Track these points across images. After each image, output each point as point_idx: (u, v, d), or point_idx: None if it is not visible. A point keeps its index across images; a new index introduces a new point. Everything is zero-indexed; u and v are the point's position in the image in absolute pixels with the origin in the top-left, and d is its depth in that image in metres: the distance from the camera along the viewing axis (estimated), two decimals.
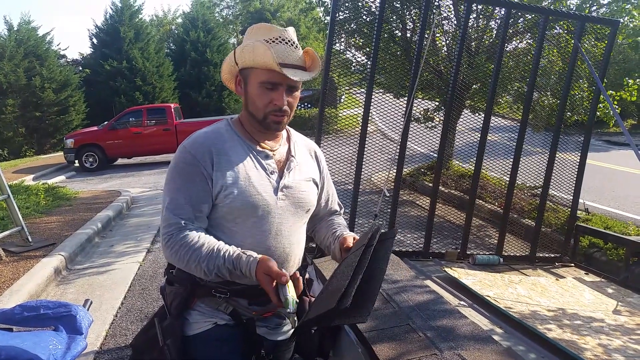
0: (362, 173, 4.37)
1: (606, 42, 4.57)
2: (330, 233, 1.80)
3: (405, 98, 4.43)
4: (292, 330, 1.67)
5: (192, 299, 1.60)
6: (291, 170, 1.65)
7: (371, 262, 1.40)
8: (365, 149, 4.30)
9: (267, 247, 1.57)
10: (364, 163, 4.32)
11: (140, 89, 23.73)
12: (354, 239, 1.69)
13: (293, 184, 1.64)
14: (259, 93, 1.55)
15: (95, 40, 25.40)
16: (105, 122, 16.08)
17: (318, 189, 1.79)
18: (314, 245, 3.76)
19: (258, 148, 1.62)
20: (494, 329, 2.89)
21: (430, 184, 7.94)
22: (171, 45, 30.51)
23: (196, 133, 1.62)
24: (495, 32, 6.26)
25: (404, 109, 4.28)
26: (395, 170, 4.35)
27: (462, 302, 3.26)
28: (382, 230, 1.56)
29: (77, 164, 15.33)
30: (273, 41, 1.52)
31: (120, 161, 16.15)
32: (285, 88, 1.55)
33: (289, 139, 1.74)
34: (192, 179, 1.52)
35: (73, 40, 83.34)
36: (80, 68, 25.72)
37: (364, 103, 4.21)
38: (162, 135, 15.01)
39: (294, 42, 1.56)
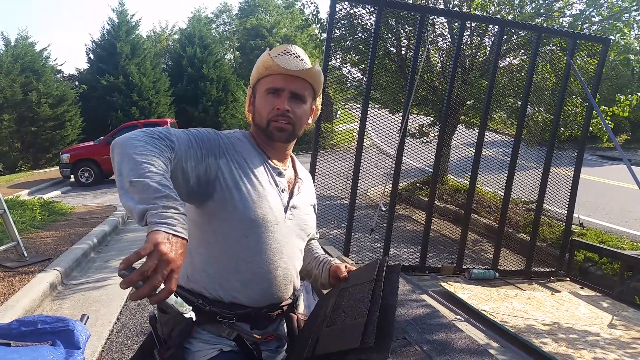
0: (358, 188, 4.40)
1: (598, 58, 4.65)
2: (312, 258, 1.78)
3: (401, 113, 4.49)
4: (284, 353, 1.64)
5: (192, 327, 1.51)
6: (299, 193, 1.63)
7: (382, 297, 1.38)
8: (361, 164, 4.34)
9: (270, 267, 1.51)
10: (359, 178, 4.36)
11: (137, 104, 23.80)
12: (346, 267, 1.68)
13: (300, 206, 1.62)
14: (263, 100, 1.55)
15: (92, 56, 25.53)
16: (102, 137, 16.10)
17: (314, 216, 1.76)
18: None
19: (271, 163, 1.59)
20: (490, 343, 2.90)
21: (426, 199, 7.99)
22: (168, 61, 30.73)
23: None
24: (489, 49, 6.36)
25: (400, 124, 4.33)
26: (390, 185, 4.38)
27: (458, 317, 3.27)
28: (387, 264, 1.54)
29: (72, 179, 15.30)
30: (277, 54, 1.55)
31: None
32: (288, 94, 1.54)
33: (294, 164, 1.73)
34: (217, 144, 1.45)
35: (70, 55, 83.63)
36: (77, 83, 25.83)
37: (359, 118, 4.25)
38: None
39: (297, 54, 1.57)
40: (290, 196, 1.60)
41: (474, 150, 4.59)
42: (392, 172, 4.40)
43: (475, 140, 4.56)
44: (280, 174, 1.59)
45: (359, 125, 4.30)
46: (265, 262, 1.49)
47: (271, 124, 1.54)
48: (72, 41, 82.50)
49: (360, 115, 4.27)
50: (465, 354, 1.70)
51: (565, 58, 4.66)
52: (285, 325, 1.65)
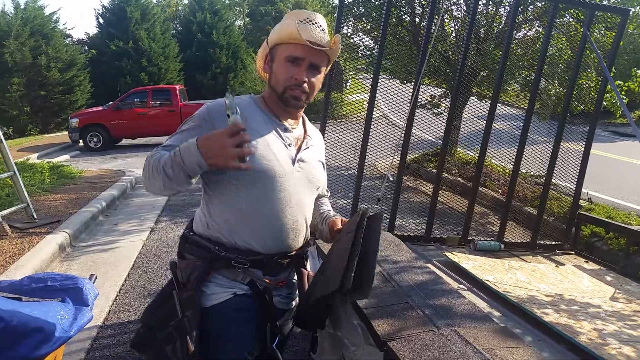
0: (367, 159, 4.38)
1: (616, 31, 4.55)
2: (318, 214, 1.88)
3: (412, 84, 4.43)
4: (295, 301, 1.76)
5: (209, 272, 1.62)
6: (307, 148, 1.71)
7: (363, 244, 1.47)
8: (370, 135, 4.31)
9: (279, 215, 1.60)
10: (368, 149, 4.34)
11: (146, 69, 23.72)
12: (342, 221, 1.76)
13: (308, 160, 1.70)
14: (282, 67, 1.60)
15: (101, 20, 25.36)
16: (110, 103, 16.10)
17: (324, 172, 1.85)
18: None
19: (277, 121, 1.66)
20: (491, 312, 2.92)
21: (435, 171, 7.97)
22: (177, 26, 30.45)
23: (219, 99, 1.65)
24: (504, 19, 6.22)
25: (410, 95, 4.28)
26: (399, 156, 4.36)
27: (461, 286, 3.29)
28: (370, 214, 1.61)
29: (81, 144, 15.38)
30: (301, 21, 1.58)
31: (124, 142, 16.19)
32: (307, 65, 1.59)
33: (304, 123, 1.80)
34: (197, 131, 1.54)
35: (79, 20, 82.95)
36: (86, 48, 25.71)
37: (370, 88, 4.21)
38: (166, 116, 15.03)
39: (320, 25, 1.62)
40: (298, 150, 1.67)
41: (485, 123, 4.54)
42: (402, 143, 4.37)
43: (487, 113, 4.51)
44: (286, 130, 1.67)
45: (369, 96, 4.26)
46: (274, 211, 1.60)
47: (287, 91, 1.61)
48: (82, 5, 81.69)
49: (370, 85, 4.22)
50: (467, 318, 1.72)
51: (581, 30, 4.56)
52: (296, 277, 1.76)
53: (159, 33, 25.13)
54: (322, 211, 1.88)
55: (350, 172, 4.63)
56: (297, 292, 1.76)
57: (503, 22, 6.18)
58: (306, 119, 1.82)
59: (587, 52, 4.66)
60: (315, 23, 1.61)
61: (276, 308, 1.68)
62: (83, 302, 2.13)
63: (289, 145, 1.65)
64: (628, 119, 3.79)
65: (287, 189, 1.61)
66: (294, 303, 1.77)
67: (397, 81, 5.41)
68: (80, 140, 15.25)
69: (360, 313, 1.80)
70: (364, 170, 4.43)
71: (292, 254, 1.69)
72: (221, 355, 1.58)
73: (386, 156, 4.87)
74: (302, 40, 1.54)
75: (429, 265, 3.12)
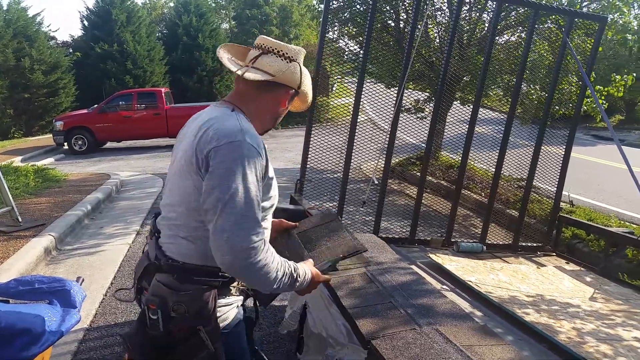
0: (352, 162, 4.45)
1: (598, 37, 4.66)
2: None
3: (396, 88, 4.50)
4: None
5: (217, 297, 1.54)
6: None
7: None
8: (356, 138, 4.38)
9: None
10: (354, 152, 4.40)
11: (131, 72, 23.51)
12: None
13: None
14: (279, 115, 1.72)
15: (86, 22, 25.08)
16: (95, 105, 15.98)
17: None
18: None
19: None
20: (473, 312, 2.99)
21: (419, 174, 8.05)
22: (163, 29, 30.23)
23: (240, 124, 1.52)
24: (487, 25, 6.33)
25: (395, 99, 4.35)
26: (384, 160, 4.43)
27: (444, 287, 3.36)
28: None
29: (66, 147, 15.24)
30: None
31: (109, 145, 16.08)
32: None
33: None
34: (257, 175, 1.47)
35: (64, 22, 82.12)
36: (71, 50, 25.42)
37: (355, 92, 4.27)
38: (152, 119, 14.96)
39: None
40: None
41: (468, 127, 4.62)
42: (386, 147, 4.44)
43: (467, 118, 4.59)
44: None
45: (354, 99, 4.32)
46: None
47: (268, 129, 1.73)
48: (66, 7, 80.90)
49: (356, 89, 4.28)
50: (448, 317, 1.78)
51: (562, 36, 4.67)
52: None
53: (144, 36, 24.95)
54: None
55: (335, 176, 4.68)
56: None
57: (486, 28, 6.29)
58: None
59: (568, 57, 4.77)
60: None
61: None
62: (71, 304, 2.15)
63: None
64: (606, 124, 3.90)
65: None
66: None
67: (383, 85, 5.48)
68: (65, 143, 15.10)
69: (345, 313, 1.84)
70: (350, 174, 4.48)
71: None
72: None
73: (371, 159, 4.93)
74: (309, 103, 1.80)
75: (412, 266, 3.17)
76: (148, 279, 1.58)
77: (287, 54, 1.64)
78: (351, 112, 4.38)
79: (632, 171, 3.72)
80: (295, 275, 1.50)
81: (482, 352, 1.53)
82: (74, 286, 2.21)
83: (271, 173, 1.57)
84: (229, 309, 1.60)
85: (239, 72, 1.57)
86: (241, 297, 1.65)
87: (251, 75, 1.57)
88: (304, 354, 2.50)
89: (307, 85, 1.69)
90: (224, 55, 1.68)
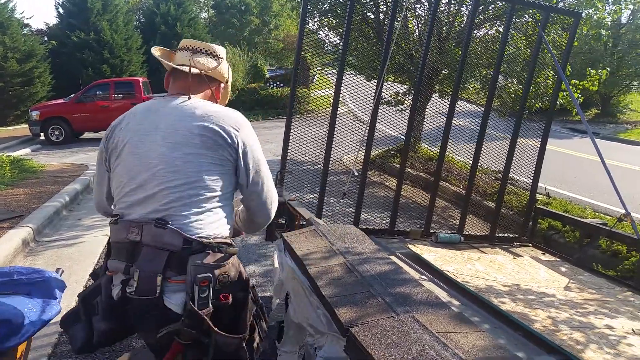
0: (333, 154, 4.47)
1: (573, 32, 4.75)
2: None
3: (376, 80, 4.53)
4: None
5: None
6: None
7: None
8: (336, 130, 4.40)
9: None
10: (334, 144, 4.43)
11: (108, 61, 23.17)
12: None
13: None
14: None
15: (61, 10, 24.61)
16: (72, 95, 15.73)
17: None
18: (283, 221, 3.88)
19: None
20: (451, 302, 3.05)
21: (398, 166, 8.12)
22: (141, 18, 29.79)
23: (230, 109, 1.87)
24: (466, 18, 6.39)
25: (375, 91, 4.38)
26: (364, 152, 4.46)
27: (423, 277, 3.42)
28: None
29: (42, 137, 14.99)
30: None
31: (87, 135, 15.85)
32: None
33: None
34: None
35: (38, 9, 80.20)
36: (46, 38, 24.91)
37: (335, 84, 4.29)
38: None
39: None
40: None
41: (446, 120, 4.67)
42: (366, 139, 4.47)
43: (448, 110, 4.65)
44: None
45: (334, 91, 4.34)
46: None
47: None
48: None
49: (335, 81, 4.30)
50: (424, 305, 1.83)
51: (552, 31, 4.76)
52: None
53: (121, 24, 24.56)
54: None
55: (316, 168, 4.71)
56: None
57: (465, 21, 6.35)
58: None
59: (545, 51, 4.86)
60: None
61: None
62: (51, 295, 2.15)
63: None
64: (580, 117, 3.99)
65: None
66: None
67: (363, 77, 5.51)
68: (42, 134, 14.85)
69: (325, 302, 1.88)
70: (330, 166, 4.52)
71: None
72: None
73: (352, 151, 4.97)
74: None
75: (391, 257, 3.22)
76: (178, 264, 1.62)
77: (215, 52, 1.94)
78: (331, 104, 4.40)
79: (605, 164, 3.83)
80: None
81: (457, 338, 1.58)
82: (54, 277, 2.21)
83: None
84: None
85: (194, 71, 1.83)
86: None
87: (196, 70, 1.84)
88: (282, 343, 2.54)
89: (230, 80, 2.05)
90: (157, 53, 1.94)
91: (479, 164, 4.98)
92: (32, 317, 1.93)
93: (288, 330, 2.48)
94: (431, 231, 4.65)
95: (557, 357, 2.43)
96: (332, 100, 4.37)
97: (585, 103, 21.57)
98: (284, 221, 3.88)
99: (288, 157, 4.47)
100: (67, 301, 3.78)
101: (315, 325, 2.08)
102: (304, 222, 3.25)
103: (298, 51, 4.33)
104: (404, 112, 6.09)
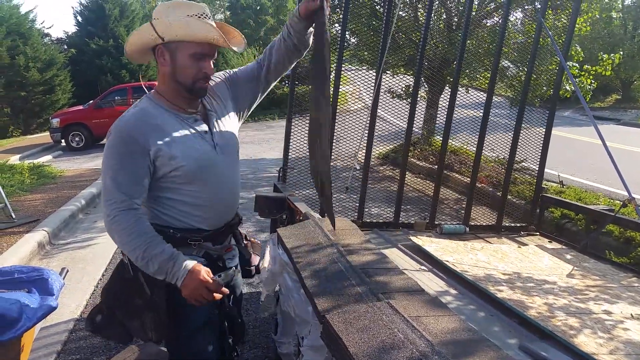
0: (340, 149, 4.53)
1: (585, 17, 4.68)
2: (278, 40, 2.02)
3: (387, 73, 4.55)
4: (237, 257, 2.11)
5: None
6: (216, 125, 1.88)
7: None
8: (344, 126, 4.45)
9: (218, 198, 1.86)
10: (341, 139, 4.48)
11: (127, 67, 23.52)
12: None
13: (222, 127, 1.89)
14: (190, 64, 1.74)
15: (80, 18, 25.08)
16: (91, 101, 16.04)
17: (238, 113, 2.04)
18: (284, 217, 3.94)
19: (186, 115, 1.82)
20: (449, 290, 3.07)
21: (414, 160, 8.12)
22: None
23: (125, 115, 1.81)
24: (472, 7, 6.33)
25: (388, 86, 4.41)
26: (369, 146, 4.50)
27: (422, 267, 3.43)
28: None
29: (63, 144, 15.33)
30: (197, 16, 1.71)
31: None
32: (211, 60, 1.79)
33: None
34: (132, 157, 1.71)
35: (57, 18, 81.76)
36: (65, 47, 25.42)
37: (352, 79, 4.33)
38: None
39: (210, 16, 1.78)
40: (212, 134, 1.84)
41: (464, 112, 4.68)
42: (384, 134, 4.50)
43: (464, 102, 4.65)
44: (196, 121, 1.83)
45: (336, 86, 4.37)
46: (213, 197, 1.83)
47: (197, 84, 1.77)
48: (60, 4, 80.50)
49: (335, 75, 4.33)
50: (401, 291, 1.85)
51: (551, 16, 4.70)
52: (233, 240, 2.08)
53: None
54: (277, 39, 2.03)
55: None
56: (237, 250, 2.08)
57: (472, 12, 6.30)
58: None
59: (555, 37, 4.79)
60: (208, 16, 1.76)
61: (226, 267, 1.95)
62: (49, 292, 2.24)
63: (204, 133, 1.83)
64: (582, 102, 3.95)
65: (218, 174, 1.83)
66: (237, 259, 2.06)
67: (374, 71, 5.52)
68: (62, 140, 15.20)
69: (307, 291, 1.93)
70: (336, 161, 4.56)
71: (231, 222, 1.98)
72: (192, 322, 1.83)
73: (357, 145, 4.99)
74: (209, 40, 1.72)
75: (378, 247, 3.22)
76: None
77: (153, 16, 1.79)
78: (347, 101, 4.44)
79: (607, 146, 3.79)
80: (160, 261, 1.68)
81: (427, 322, 1.61)
82: (52, 275, 2.31)
83: (173, 150, 1.79)
84: None
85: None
86: (202, 259, 1.90)
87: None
88: (278, 335, 2.60)
89: (176, 26, 1.68)
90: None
91: (493, 155, 4.94)
92: (29, 312, 2.02)
93: (282, 322, 2.53)
94: (436, 222, 4.64)
95: (550, 342, 2.43)
96: (348, 96, 4.40)
97: (606, 89, 21.12)
98: (284, 217, 3.93)
99: (292, 155, 4.53)
100: (78, 300, 3.93)
101: (302, 316, 2.13)
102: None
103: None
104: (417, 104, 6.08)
